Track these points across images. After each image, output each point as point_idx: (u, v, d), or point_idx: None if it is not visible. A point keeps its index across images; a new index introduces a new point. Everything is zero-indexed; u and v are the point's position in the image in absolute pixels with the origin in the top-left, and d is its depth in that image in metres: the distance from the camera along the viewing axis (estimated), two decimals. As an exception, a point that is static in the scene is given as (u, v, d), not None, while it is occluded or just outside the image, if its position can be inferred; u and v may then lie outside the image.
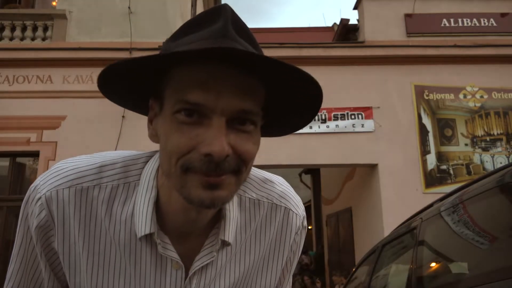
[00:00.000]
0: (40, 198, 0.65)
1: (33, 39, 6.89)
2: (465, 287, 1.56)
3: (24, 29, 6.93)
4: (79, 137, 6.43)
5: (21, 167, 6.76)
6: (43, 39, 6.89)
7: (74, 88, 6.62)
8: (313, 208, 14.17)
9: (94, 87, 6.87)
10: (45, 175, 0.67)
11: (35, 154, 6.50)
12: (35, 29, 6.95)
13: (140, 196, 0.65)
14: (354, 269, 3.63)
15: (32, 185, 0.68)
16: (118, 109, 6.51)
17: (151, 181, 0.66)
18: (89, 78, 6.66)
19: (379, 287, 2.85)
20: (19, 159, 6.69)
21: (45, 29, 6.94)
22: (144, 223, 0.63)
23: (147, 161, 0.70)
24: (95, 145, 6.41)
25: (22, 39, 6.89)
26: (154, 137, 0.66)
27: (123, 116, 6.47)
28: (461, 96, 6.70)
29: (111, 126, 6.44)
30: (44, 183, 0.66)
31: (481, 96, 6.70)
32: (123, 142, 6.41)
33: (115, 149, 6.36)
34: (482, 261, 1.57)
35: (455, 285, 1.64)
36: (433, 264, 1.98)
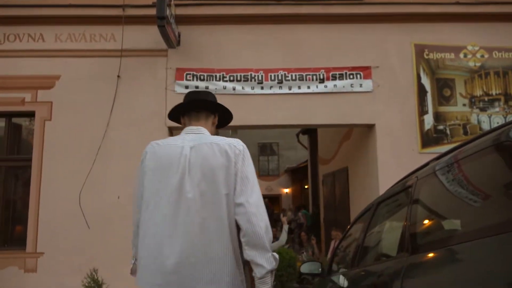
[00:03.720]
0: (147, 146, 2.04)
1: (22, -5, 6.67)
2: (456, 242, 1.61)
3: (12, -16, 6.69)
4: (74, 96, 6.38)
5: (18, 127, 6.75)
6: (33, -5, 6.67)
7: (67, 46, 6.49)
8: (309, 168, 14.34)
9: (87, 45, 6.80)
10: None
11: (30, 114, 6.47)
12: (24, -16, 6.71)
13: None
14: (349, 226, 3.72)
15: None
16: (112, 68, 6.42)
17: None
18: (82, 36, 6.52)
19: (373, 243, 2.93)
20: (15, 120, 6.66)
21: (35, -16, 6.70)
22: None
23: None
24: (91, 105, 6.37)
25: (11, -5, 6.67)
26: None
27: (118, 76, 6.39)
28: (461, 55, 6.62)
29: (107, 85, 6.38)
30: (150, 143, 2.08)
31: (482, 56, 6.63)
32: (119, 102, 6.37)
33: (111, 109, 6.34)
34: (474, 218, 1.61)
35: (447, 241, 1.69)
36: (426, 221, 2.04)
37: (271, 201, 23.58)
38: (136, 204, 1.92)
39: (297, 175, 23.70)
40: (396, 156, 6.31)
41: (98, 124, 6.30)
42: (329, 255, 5.70)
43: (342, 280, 3.12)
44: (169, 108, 6.41)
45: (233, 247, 1.76)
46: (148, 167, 1.92)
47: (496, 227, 1.39)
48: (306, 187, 20.73)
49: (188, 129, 2.04)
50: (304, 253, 7.97)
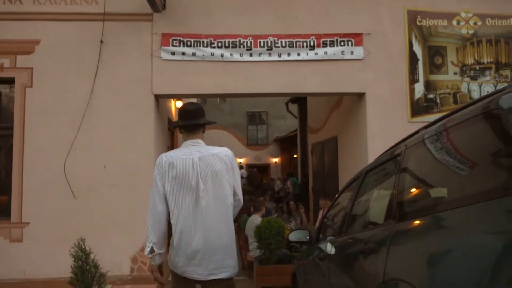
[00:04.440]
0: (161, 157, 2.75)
1: (-4, -47, 6.37)
2: (443, 210, 1.65)
3: None
4: (55, 62, 6.23)
5: (-3, 94, 6.60)
6: (8, -47, 6.38)
7: (46, 9, 6.28)
8: (299, 137, 14.39)
9: (68, 8, 6.56)
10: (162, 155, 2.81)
11: (10, 81, 6.32)
12: None
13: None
14: (337, 195, 3.78)
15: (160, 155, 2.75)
16: (95, 33, 6.26)
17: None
18: (62, -2, 6.30)
19: (361, 211, 3.00)
20: (-6, 86, 6.51)
21: None
22: None
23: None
24: (73, 71, 6.24)
25: (-16, -47, 6.37)
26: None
27: (101, 41, 6.24)
28: (454, 22, 6.58)
29: (89, 51, 6.23)
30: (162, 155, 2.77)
31: (475, 23, 6.60)
32: (103, 68, 6.25)
33: (95, 76, 6.22)
34: (461, 186, 1.65)
35: (434, 209, 1.73)
36: (414, 190, 2.08)
37: (260, 171, 23.79)
38: (156, 199, 2.73)
39: (286, 144, 23.81)
40: (385, 125, 6.36)
41: (81, 91, 6.19)
42: (317, 224, 5.81)
43: (329, 247, 3.20)
44: (155, 75, 6.31)
45: (232, 238, 2.77)
46: (168, 175, 2.72)
47: (483, 194, 1.42)
48: (295, 156, 20.84)
49: (189, 142, 2.83)
50: (293, 221, 8.11)
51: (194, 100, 15.66)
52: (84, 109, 6.15)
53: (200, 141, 2.83)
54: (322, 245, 3.51)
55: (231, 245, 2.74)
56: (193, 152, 2.75)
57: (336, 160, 8.26)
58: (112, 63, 6.26)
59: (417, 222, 1.82)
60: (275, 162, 25.79)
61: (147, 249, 2.74)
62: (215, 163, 2.73)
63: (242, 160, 25.56)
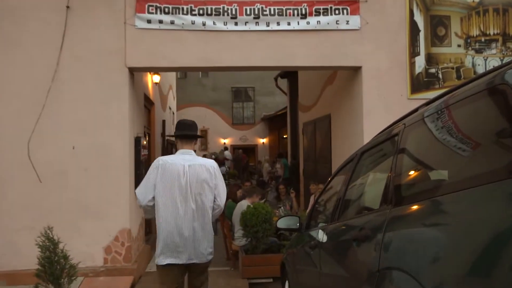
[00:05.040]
0: (158, 160, 3.68)
1: None
2: (442, 193, 1.67)
3: None
4: (15, 29, 6.07)
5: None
6: None
7: (5, -30, 6.09)
8: (289, 116, 14.40)
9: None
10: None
11: (-36, 52, 6.16)
12: None
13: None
14: (330, 179, 3.81)
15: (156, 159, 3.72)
16: (61, -2, 6.10)
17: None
18: (22, -43, 6.11)
19: (355, 196, 3.03)
20: None
21: None
22: None
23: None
24: (36, 39, 6.09)
25: None
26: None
27: (67, 6, 6.09)
28: (459, -11, 6.58)
29: (54, 17, 6.08)
30: (159, 158, 3.72)
31: (481, -10, 6.60)
32: (70, 37, 6.11)
33: (61, 45, 6.08)
34: (463, 167, 1.67)
35: (433, 192, 1.75)
36: (412, 172, 2.10)
37: (246, 152, 23.84)
38: (148, 193, 3.61)
39: (274, 123, 23.84)
40: (383, 102, 6.39)
41: (46, 62, 6.07)
42: (308, 210, 5.87)
43: (320, 235, 3.24)
44: (129, 46, 6.22)
45: (209, 233, 3.72)
46: (162, 176, 3.61)
47: (486, 176, 1.44)
48: (284, 136, 20.89)
49: (183, 151, 3.77)
50: (282, 207, 8.18)
51: (173, 73, 15.50)
52: (49, 84, 6.05)
53: (192, 152, 3.80)
54: (313, 233, 3.55)
55: (208, 238, 3.71)
56: (185, 160, 3.70)
57: (329, 141, 8.30)
58: (81, 32, 6.13)
59: (415, 206, 1.84)
60: (263, 143, 25.84)
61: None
62: (202, 171, 3.68)
63: (226, 141, 25.59)
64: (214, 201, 3.73)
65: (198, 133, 3.99)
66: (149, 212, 3.68)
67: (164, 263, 3.57)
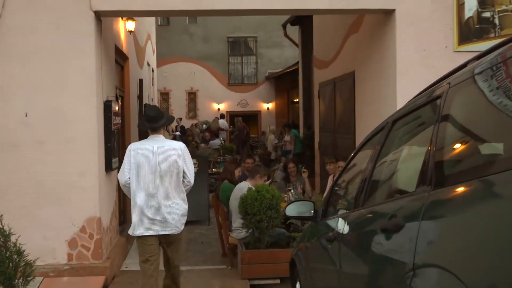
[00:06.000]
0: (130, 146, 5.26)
1: None
2: (496, 171, 1.67)
3: None
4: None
5: None
6: None
7: None
8: (301, 74, 14.34)
9: None
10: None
11: None
12: None
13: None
14: (352, 154, 3.83)
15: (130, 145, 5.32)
16: None
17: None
18: None
19: (385, 176, 3.04)
20: None
21: None
22: None
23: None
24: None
25: None
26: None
27: None
28: None
29: None
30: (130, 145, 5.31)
31: None
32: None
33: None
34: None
35: (484, 170, 1.75)
36: (458, 145, 2.10)
37: (246, 121, 23.83)
38: (126, 173, 5.03)
39: (282, 84, 23.78)
40: (422, 56, 6.35)
41: (-12, 6, 6.03)
42: (325, 193, 5.92)
43: (341, 225, 3.27)
44: (95, -17, 6.15)
45: (181, 206, 5.10)
46: (134, 157, 4.99)
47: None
48: (295, 101, 20.83)
49: (152, 136, 5.12)
50: (292, 190, 8.23)
51: (152, 19, 15.36)
52: (-7, 33, 6.02)
53: (161, 136, 5.20)
54: (331, 222, 3.58)
55: (180, 211, 5.08)
56: (155, 143, 5.08)
57: (353, 106, 8.30)
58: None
59: (461, 188, 1.85)
60: (268, 109, 25.85)
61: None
62: (170, 151, 5.05)
63: (221, 106, 25.55)
64: (184, 178, 5.14)
65: (171, 114, 5.58)
66: (129, 193, 5.10)
67: (139, 235, 5.02)
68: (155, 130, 5.15)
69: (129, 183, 5.03)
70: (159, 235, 5.03)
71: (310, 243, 4.14)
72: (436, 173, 2.08)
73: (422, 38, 6.41)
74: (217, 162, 14.68)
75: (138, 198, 4.99)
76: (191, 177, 5.18)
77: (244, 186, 6.96)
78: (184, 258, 7.11)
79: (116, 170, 6.81)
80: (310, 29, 12.14)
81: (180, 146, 5.21)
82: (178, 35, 24.81)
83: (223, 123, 22.75)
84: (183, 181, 5.15)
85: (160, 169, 4.97)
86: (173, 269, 5.38)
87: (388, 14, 6.60)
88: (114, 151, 6.95)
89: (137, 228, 5.01)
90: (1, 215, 4.74)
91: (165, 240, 5.11)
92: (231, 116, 24.93)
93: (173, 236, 5.11)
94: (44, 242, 6.08)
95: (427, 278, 1.85)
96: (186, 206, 5.19)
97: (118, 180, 5.31)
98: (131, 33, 10.23)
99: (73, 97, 6.16)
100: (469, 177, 1.84)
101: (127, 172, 5.04)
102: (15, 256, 4.75)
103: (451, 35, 6.44)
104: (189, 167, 5.18)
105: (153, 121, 5.14)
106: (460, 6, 6.44)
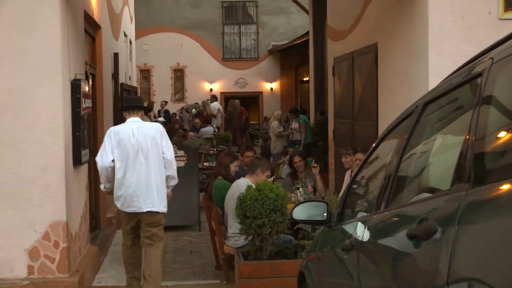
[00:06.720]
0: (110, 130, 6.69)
1: None
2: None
3: None
4: None
5: None
6: None
7: None
8: (311, 47, 14.34)
9: None
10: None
11: None
12: None
13: None
14: (374, 144, 3.83)
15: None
16: None
17: None
18: None
19: (413, 171, 3.05)
20: None
21: None
22: None
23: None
24: None
25: None
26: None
27: None
28: None
29: None
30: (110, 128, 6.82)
31: None
32: None
33: None
34: None
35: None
36: (503, 133, 2.10)
37: (245, 104, 23.84)
38: (108, 155, 6.20)
39: (289, 59, 23.78)
40: (460, 24, 6.34)
41: None
42: (341, 193, 5.92)
43: (360, 230, 3.28)
44: None
45: (163, 181, 6.51)
46: (116, 141, 6.23)
47: None
48: (305, 79, 20.84)
49: (131, 119, 6.44)
50: (300, 189, 8.24)
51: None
52: None
53: (139, 119, 6.45)
54: (348, 227, 3.59)
55: (161, 188, 6.34)
56: (133, 124, 6.33)
57: (375, 86, 8.30)
58: None
59: (505, 186, 1.85)
60: (271, 89, 25.83)
61: (105, 191, 6.77)
62: (149, 130, 6.34)
63: (214, 87, 25.50)
64: (163, 157, 6.36)
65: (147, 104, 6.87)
66: (108, 176, 6.33)
67: (123, 210, 6.36)
68: (134, 110, 6.45)
69: (113, 166, 6.16)
70: (140, 212, 6.23)
71: (323, 252, 4.15)
72: (475, 168, 2.08)
73: (460, 2, 6.40)
74: (209, 155, 14.66)
75: (121, 177, 6.18)
76: (170, 155, 6.44)
77: (242, 184, 6.97)
78: (170, 271, 7.15)
79: (86, 164, 6.81)
80: (323, -8, 12.12)
81: (158, 125, 6.74)
82: (162, 1, 24.72)
83: (216, 106, 22.70)
84: (165, 166, 6.38)
85: (141, 148, 6.18)
86: (150, 279, 6.33)
87: (418, -27, 6.59)
88: (84, 141, 6.97)
89: (120, 204, 6.30)
90: None
91: (145, 219, 6.31)
92: (226, 98, 24.86)
93: (155, 216, 6.31)
94: (-1, 252, 6.10)
95: (464, 295, 1.86)
96: (166, 190, 6.46)
97: (97, 162, 6.33)
98: (104, -3, 10.21)
99: (33, 75, 6.16)
100: (516, 172, 1.84)
101: (110, 154, 6.14)
102: (-36, 269, 4.77)
103: (495, 0, 6.43)
104: (168, 145, 6.48)
105: (134, 101, 6.66)
106: (507, -37, 6.42)
